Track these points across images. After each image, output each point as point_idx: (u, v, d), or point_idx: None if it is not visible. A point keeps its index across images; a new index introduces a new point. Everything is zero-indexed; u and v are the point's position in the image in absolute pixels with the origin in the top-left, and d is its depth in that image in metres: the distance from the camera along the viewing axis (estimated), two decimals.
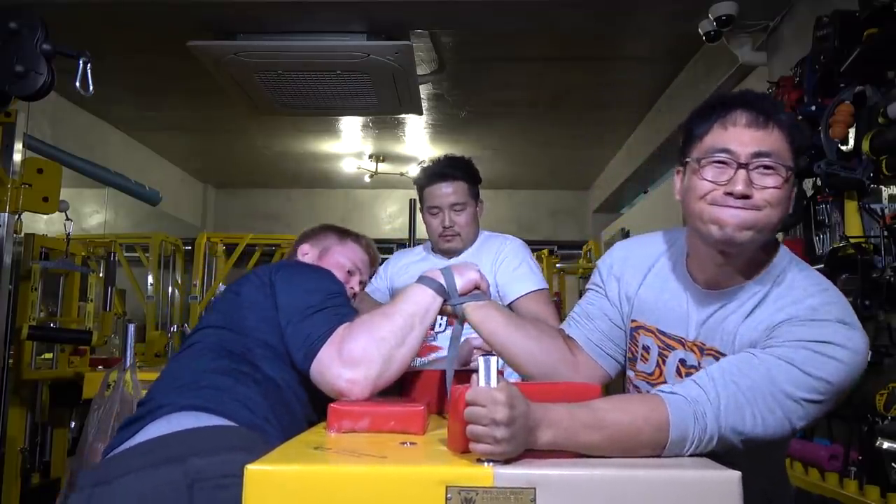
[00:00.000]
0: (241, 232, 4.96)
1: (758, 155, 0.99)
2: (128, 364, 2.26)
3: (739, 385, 0.92)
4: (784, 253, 1.08)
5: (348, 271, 1.49)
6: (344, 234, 1.55)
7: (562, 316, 2.31)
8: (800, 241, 2.24)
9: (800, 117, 2.15)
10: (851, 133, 2.02)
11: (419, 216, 2.15)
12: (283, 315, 1.17)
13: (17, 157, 2.50)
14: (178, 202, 6.03)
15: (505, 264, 1.96)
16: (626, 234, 5.09)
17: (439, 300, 1.18)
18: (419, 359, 1.86)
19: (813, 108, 2.14)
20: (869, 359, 1.20)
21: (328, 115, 4.67)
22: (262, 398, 1.11)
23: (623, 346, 1.22)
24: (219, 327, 1.21)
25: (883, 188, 2.02)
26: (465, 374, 1.11)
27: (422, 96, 3.96)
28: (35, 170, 2.61)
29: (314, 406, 1.17)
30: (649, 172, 4.98)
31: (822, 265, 1.99)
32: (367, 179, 6.11)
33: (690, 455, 0.88)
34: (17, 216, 2.46)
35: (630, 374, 1.22)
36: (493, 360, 0.80)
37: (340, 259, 1.48)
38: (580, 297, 1.33)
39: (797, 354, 0.93)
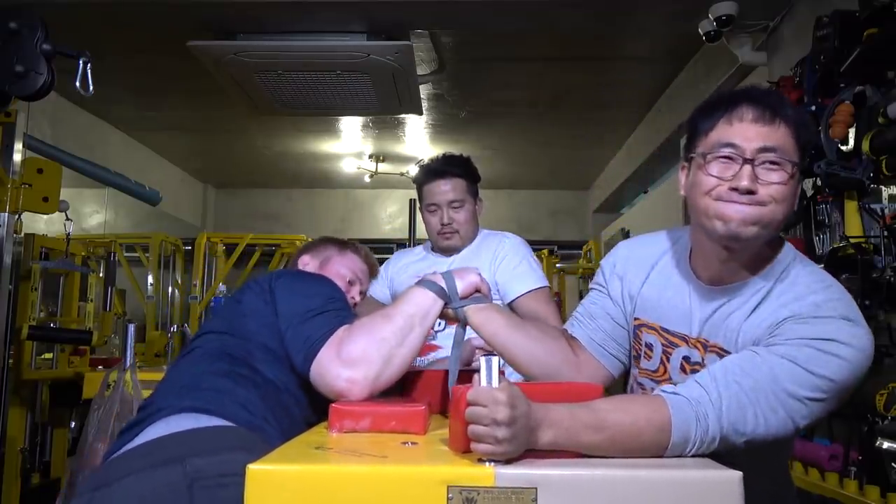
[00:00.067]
0: (241, 232, 4.97)
1: (763, 150, 0.98)
2: (128, 364, 2.26)
3: (742, 385, 0.91)
4: (788, 249, 1.07)
5: (349, 281, 1.50)
6: (343, 244, 1.57)
7: (562, 317, 2.31)
8: (800, 241, 2.24)
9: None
10: (851, 133, 2.02)
11: (419, 216, 2.15)
12: (282, 320, 1.18)
13: (17, 157, 2.50)
14: (178, 202, 6.03)
15: (505, 263, 1.96)
16: (626, 234, 5.09)
17: (440, 303, 1.18)
18: (419, 358, 1.86)
19: (813, 108, 2.14)
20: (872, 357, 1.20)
21: (328, 115, 4.68)
22: (261, 400, 1.11)
23: (626, 346, 1.22)
24: (220, 332, 1.22)
25: (883, 188, 2.02)
26: (466, 374, 1.11)
27: (422, 96, 3.96)
28: (35, 170, 2.61)
29: (314, 409, 1.17)
30: (649, 172, 4.99)
31: (822, 265, 1.99)
32: (367, 179, 6.11)
33: (692, 456, 0.88)
34: (17, 216, 2.46)
35: (634, 371, 1.22)
36: (495, 360, 0.80)
37: (341, 269, 1.50)
38: (580, 297, 1.33)
39: (800, 352, 0.92)
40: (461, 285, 1.19)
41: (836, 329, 0.93)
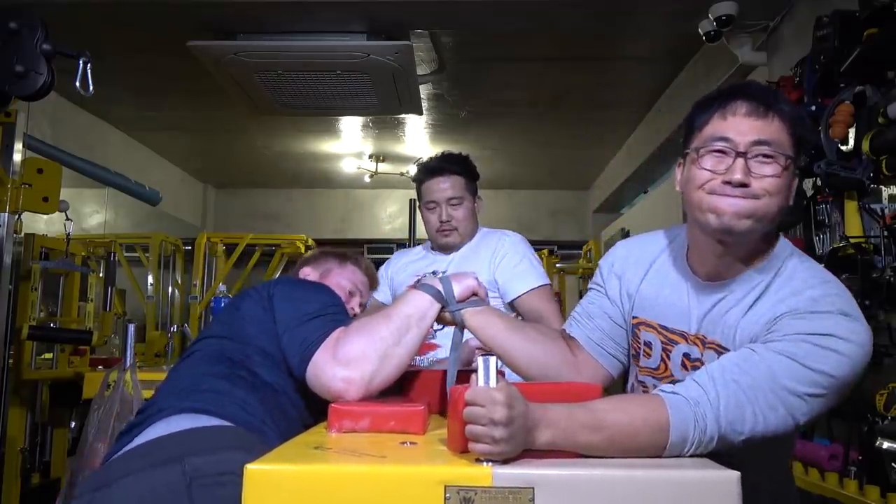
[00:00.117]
0: (241, 232, 4.97)
1: (757, 143, 0.99)
2: (128, 364, 2.27)
3: (740, 383, 0.91)
4: (785, 244, 1.07)
5: (349, 292, 1.51)
6: (344, 257, 1.59)
7: (563, 317, 2.31)
8: (800, 241, 2.24)
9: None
10: (851, 133, 2.02)
11: (419, 216, 2.16)
12: (280, 325, 1.18)
13: (17, 157, 2.50)
14: (178, 202, 6.04)
15: (505, 261, 1.95)
16: (626, 234, 5.09)
17: (437, 305, 1.18)
18: (418, 357, 1.86)
19: (813, 108, 2.14)
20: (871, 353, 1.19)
21: (328, 115, 4.68)
22: (260, 403, 1.12)
23: (625, 346, 1.22)
24: (220, 337, 1.22)
25: (883, 188, 2.02)
26: (465, 374, 1.11)
27: (422, 96, 3.96)
28: (35, 170, 2.61)
29: (311, 412, 1.17)
30: (649, 172, 4.99)
31: (822, 265, 1.99)
32: (367, 179, 6.11)
33: (690, 456, 0.88)
34: (17, 216, 2.46)
35: (634, 370, 1.22)
36: (493, 360, 0.80)
37: (341, 281, 1.51)
38: (580, 297, 1.33)
39: (798, 348, 0.92)
40: (458, 289, 1.20)
41: (834, 324, 0.93)
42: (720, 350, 1.04)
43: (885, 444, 1.72)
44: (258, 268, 4.75)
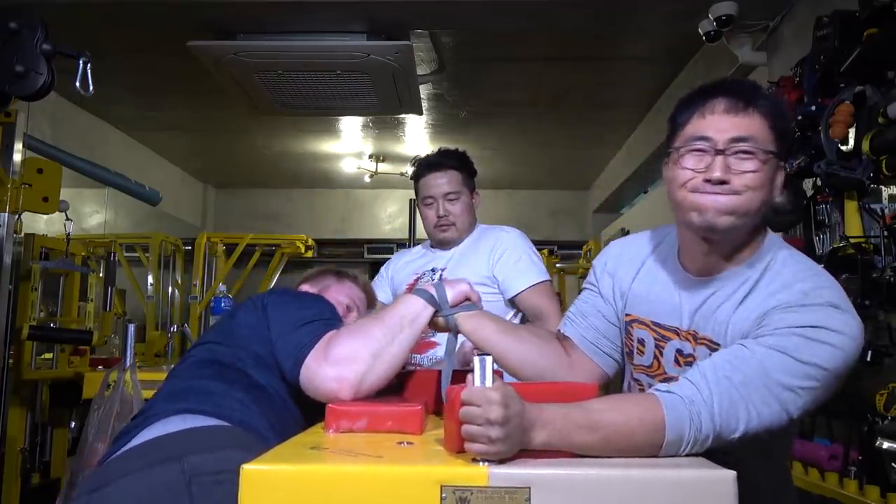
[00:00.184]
0: (241, 232, 4.97)
1: (735, 140, 0.99)
2: (128, 364, 2.27)
3: (732, 380, 0.91)
4: (774, 238, 1.08)
5: (346, 307, 1.53)
6: (342, 275, 1.61)
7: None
8: (800, 241, 2.24)
9: (799, 117, 2.15)
10: (851, 133, 2.02)
11: (419, 216, 2.16)
12: (274, 330, 1.20)
13: (17, 157, 2.51)
14: (178, 202, 6.04)
15: (505, 258, 1.95)
16: (626, 234, 5.08)
17: (430, 309, 1.19)
18: (418, 355, 1.86)
19: (813, 108, 2.13)
20: (866, 351, 1.19)
21: (328, 115, 4.68)
22: (254, 403, 1.13)
23: (619, 344, 1.23)
24: (215, 343, 1.24)
25: (883, 188, 2.02)
26: (462, 374, 1.11)
27: (422, 96, 3.96)
28: (35, 170, 2.62)
29: (305, 416, 1.18)
30: (649, 172, 4.98)
31: (822, 265, 1.99)
32: (367, 179, 6.11)
33: (686, 455, 0.88)
34: (17, 216, 2.47)
35: (629, 368, 1.22)
36: (489, 359, 0.80)
37: (339, 296, 1.52)
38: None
39: (789, 342, 0.92)
40: (451, 293, 1.20)
41: (824, 316, 0.93)
42: (712, 346, 1.04)
43: (885, 444, 1.72)
44: (258, 268, 4.74)
